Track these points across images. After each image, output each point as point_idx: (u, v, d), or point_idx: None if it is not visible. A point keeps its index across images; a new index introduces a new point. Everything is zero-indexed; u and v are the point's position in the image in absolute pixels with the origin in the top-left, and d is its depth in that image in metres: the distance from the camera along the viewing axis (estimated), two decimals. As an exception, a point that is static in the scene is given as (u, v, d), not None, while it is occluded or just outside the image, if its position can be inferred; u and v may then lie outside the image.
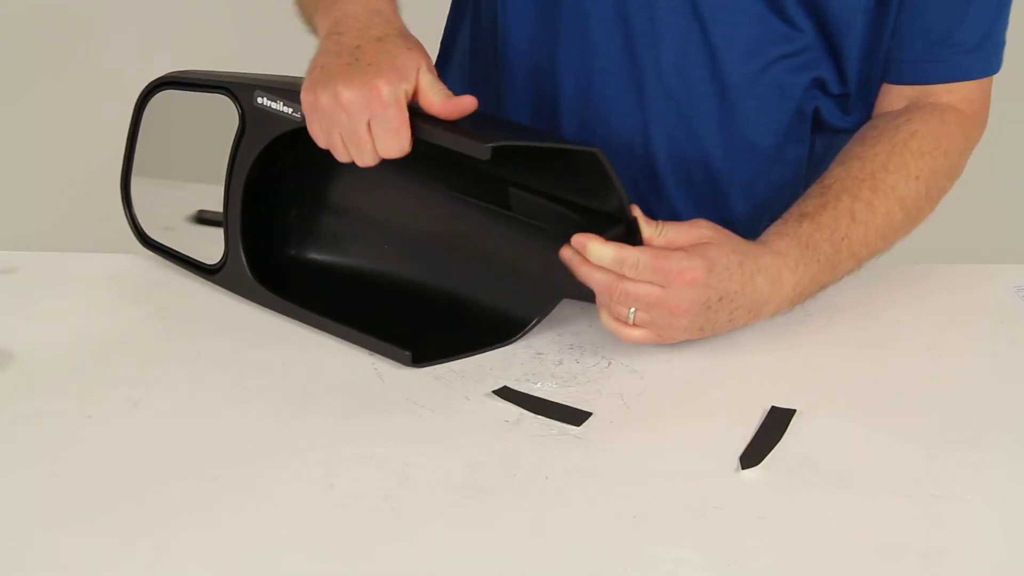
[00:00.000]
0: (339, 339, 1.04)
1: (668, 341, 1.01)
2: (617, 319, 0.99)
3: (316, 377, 1.00)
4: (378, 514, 0.84)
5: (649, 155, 1.16)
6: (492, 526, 0.83)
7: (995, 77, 1.17)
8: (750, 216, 1.18)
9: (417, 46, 0.98)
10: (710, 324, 1.00)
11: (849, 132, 1.16)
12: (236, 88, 1.07)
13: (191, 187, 1.18)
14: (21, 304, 1.11)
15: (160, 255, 1.16)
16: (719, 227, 1.00)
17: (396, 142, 0.94)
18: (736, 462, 0.89)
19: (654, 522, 0.83)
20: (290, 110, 1.03)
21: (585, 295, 1.00)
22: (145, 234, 1.17)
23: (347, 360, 1.02)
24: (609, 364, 1.02)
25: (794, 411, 0.94)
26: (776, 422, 0.93)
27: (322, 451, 0.90)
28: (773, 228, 1.05)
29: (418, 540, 0.81)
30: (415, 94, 0.95)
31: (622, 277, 0.97)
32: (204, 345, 1.04)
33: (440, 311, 1.08)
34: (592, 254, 0.96)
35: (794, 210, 1.06)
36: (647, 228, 0.98)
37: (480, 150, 0.90)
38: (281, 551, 0.80)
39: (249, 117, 1.07)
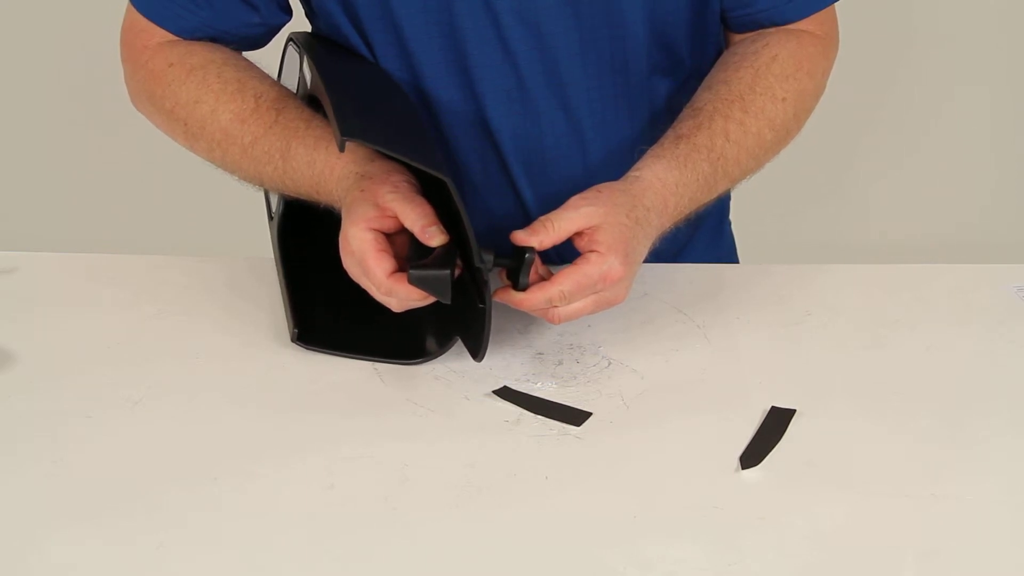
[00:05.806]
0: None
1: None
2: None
3: (316, 377, 1.00)
4: (378, 514, 0.84)
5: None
6: (492, 526, 0.83)
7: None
8: (606, 160, 1.18)
9: (370, 185, 0.98)
10: (637, 267, 1.00)
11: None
12: (301, 53, 1.12)
13: None
14: (21, 304, 1.11)
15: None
16: (593, 195, 0.99)
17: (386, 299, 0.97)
18: (736, 462, 0.89)
19: (654, 522, 0.83)
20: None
21: (473, 348, 1.00)
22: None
23: (347, 360, 1.02)
24: (609, 364, 1.02)
25: (794, 411, 0.94)
26: (776, 422, 0.93)
27: (322, 451, 0.90)
28: (650, 151, 1.06)
29: (418, 540, 0.81)
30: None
31: (556, 307, 0.97)
32: (204, 345, 1.04)
33: (359, 308, 1.04)
34: (522, 308, 0.97)
35: (669, 133, 1.08)
36: (540, 233, 0.96)
37: (337, 139, 0.92)
38: (281, 551, 0.80)
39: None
